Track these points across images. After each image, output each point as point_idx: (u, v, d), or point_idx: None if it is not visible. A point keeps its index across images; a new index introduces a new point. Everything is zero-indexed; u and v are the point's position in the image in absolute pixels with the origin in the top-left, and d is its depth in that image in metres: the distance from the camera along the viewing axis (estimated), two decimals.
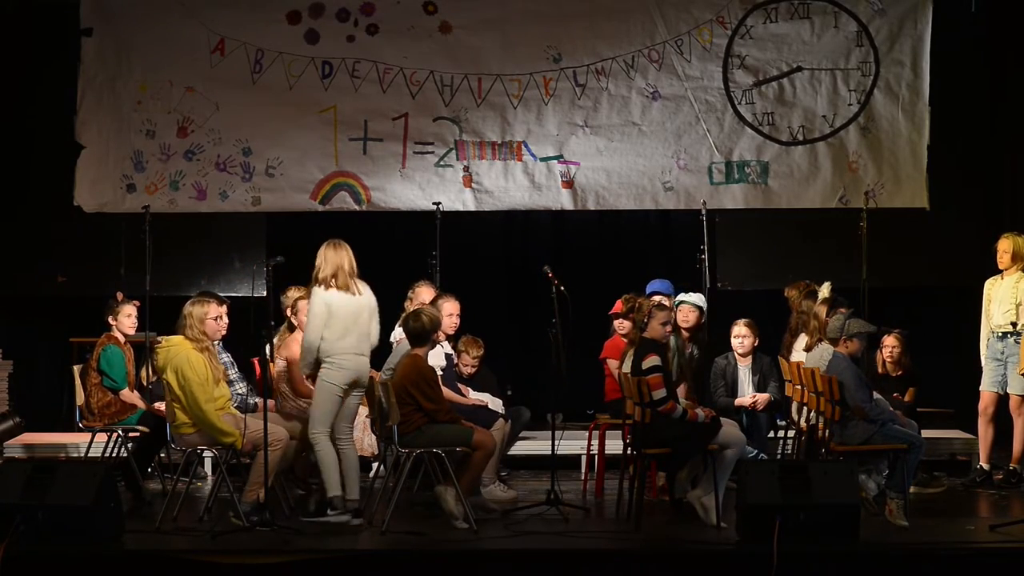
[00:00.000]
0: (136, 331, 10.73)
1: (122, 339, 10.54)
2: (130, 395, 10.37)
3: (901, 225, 12.32)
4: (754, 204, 12.47)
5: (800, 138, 12.49)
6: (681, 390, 9.70)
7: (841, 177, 12.45)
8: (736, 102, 12.49)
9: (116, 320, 10.54)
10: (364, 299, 9.14)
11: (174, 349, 9.11)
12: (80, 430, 10.55)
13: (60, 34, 12.49)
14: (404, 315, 9.72)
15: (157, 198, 12.38)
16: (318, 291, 9.05)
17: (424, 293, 10.38)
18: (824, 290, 10.25)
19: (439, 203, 12.16)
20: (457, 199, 12.47)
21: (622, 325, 10.46)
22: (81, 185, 12.44)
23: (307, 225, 12.22)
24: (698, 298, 10.80)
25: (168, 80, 12.45)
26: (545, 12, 12.47)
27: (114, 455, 10.44)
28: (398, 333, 9.99)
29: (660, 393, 9.10)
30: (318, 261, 9.09)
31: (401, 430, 9.07)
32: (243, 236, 12.64)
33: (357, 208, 12.49)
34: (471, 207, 12.50)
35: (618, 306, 10.51)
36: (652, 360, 9.20)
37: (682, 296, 10.76)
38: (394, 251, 12.51)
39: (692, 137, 12.51)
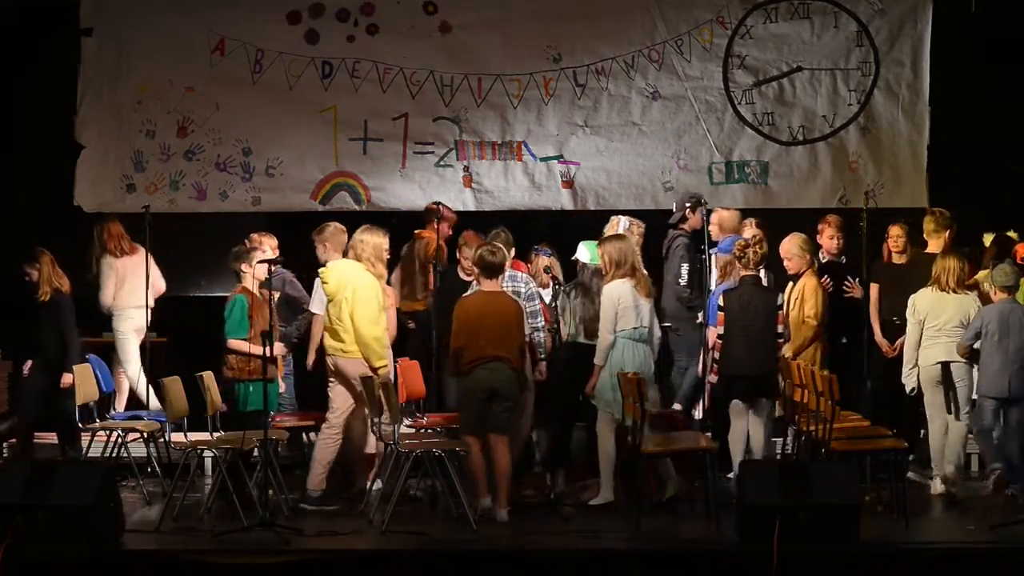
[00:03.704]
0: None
1: (254, 287, 10.06)
2: (241, 344, 9.89)
3: None
4: (754, 204, 12.43)
5: (800, 138, 12.48)
6: None
7: (841, 177, 12.44)
8: (736, 102, 12.48)
9: (250, 267, 10.08)
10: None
11: (350, 269, 9.55)
12: (81, 429, 10.53)
13: (60, 34, 12.48)
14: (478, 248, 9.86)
15: (157, 198, 12.37)
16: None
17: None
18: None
19: (439, 203, 12.15)
20: (457, 199, 12.45)
21: None
22: (81, 185, 12.44)
23: (307, 225, 12.18)
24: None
25: (168, 80, 12.45)
26: (545, 12, 12.47)
27: (114, 455, 10.42)
28: None
29: None
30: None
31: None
32: (243, 236, 12.58)
33: (357, 208, 12.47)
34: (471, 207, 12.49)
35: None
36: None
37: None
38: (394, 251, 12.44)
39: (692, 137, 12.50)
